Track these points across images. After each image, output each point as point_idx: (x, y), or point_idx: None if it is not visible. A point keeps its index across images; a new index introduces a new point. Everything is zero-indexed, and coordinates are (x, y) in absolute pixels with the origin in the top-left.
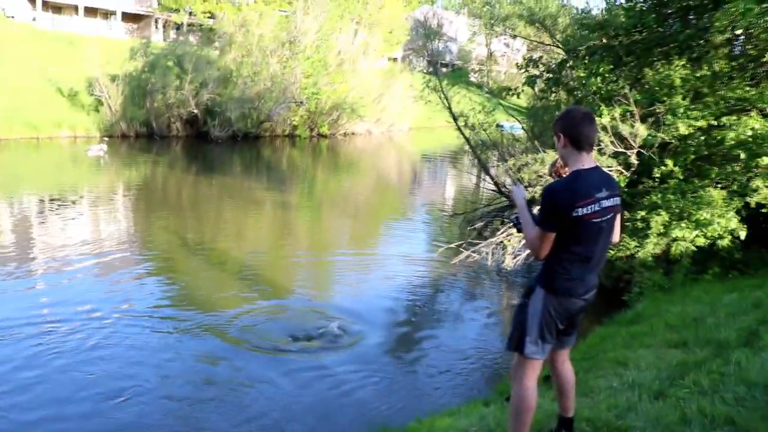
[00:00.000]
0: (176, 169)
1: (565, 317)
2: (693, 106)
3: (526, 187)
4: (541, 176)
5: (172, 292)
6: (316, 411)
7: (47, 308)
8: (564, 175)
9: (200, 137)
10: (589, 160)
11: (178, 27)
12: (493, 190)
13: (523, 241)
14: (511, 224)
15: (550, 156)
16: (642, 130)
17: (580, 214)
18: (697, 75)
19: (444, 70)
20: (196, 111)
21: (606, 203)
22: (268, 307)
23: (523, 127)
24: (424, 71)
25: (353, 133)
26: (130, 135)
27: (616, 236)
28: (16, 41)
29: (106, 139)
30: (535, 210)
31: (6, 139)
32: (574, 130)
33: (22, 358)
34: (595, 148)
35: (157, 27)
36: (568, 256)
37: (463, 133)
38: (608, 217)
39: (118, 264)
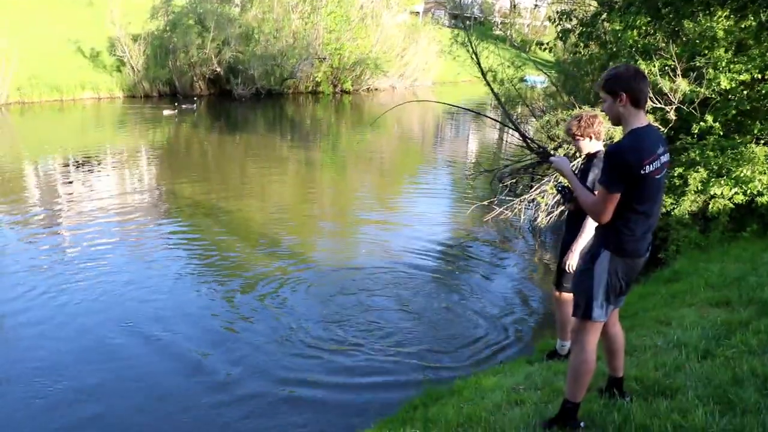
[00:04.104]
0: (200, 128)
1: (630, 277)
2: (736, 59)
3: (559, 145)
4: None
5: (194, 248)
6: (351, 371)
7: (66, 265)
8: (590, 136)
9: (223, 95)
10: (644, 118)
11: None
12: (521, 146)
13: (557, 199)
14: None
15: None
16: (683, 85)
17: (647, 171)
18: (742, 26)
19: (468, 23)
20: (218, 69)
21: (663, 159)
22: (292, 267)
23: (552, 81)
24: (447, 25)
25: (377, 89)
26: (154, 95)
27: None
28: (34, 4)
29: (196, 99)
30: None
31: (30, 103)
32: (635, 88)
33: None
34: None
35: None
36: (633, 215)
37: (492, 89)
38: (664, 172)
39: (141, 221)
